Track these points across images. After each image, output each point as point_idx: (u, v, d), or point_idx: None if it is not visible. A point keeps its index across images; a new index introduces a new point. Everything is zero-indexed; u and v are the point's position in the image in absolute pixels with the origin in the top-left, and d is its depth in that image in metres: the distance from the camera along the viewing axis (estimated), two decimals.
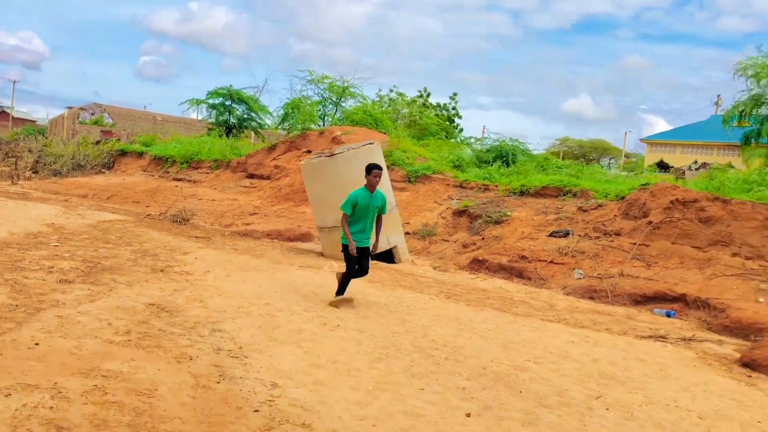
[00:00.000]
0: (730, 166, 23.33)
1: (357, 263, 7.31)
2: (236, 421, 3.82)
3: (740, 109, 23.78)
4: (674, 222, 11.55)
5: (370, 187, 7.21)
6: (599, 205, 13.54)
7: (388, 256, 12.54)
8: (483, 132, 65.88)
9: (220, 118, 31.48)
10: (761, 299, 9.35)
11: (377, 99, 35.78)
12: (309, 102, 31.21)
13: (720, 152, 45.96)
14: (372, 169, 7.23)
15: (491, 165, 18.43)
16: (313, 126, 29.28)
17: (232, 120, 31.28)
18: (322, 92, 31.45)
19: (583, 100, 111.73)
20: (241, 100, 30.72)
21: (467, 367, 5.47)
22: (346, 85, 31.71)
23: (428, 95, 45.55)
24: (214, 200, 19.66)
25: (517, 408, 4.54)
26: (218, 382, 4.45)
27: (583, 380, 5.45)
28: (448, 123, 42.79)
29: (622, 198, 13.20)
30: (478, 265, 12.37)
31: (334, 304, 7.39)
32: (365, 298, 8.24)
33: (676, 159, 45.40)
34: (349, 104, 31.78)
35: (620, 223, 12.42)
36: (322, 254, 12.50)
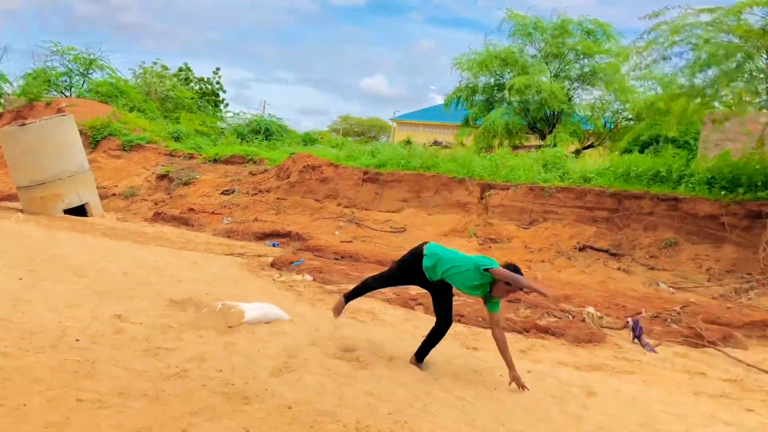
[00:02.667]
0: (462, 144, 28.37)
1: None
2: None
3: (458, 95, 28.65)
4: (305, 182, 15.46)
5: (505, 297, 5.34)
6: (265, 170, 17.17)
7: (83, 212, 15.10)
8: (264, 107, 68.17)
9: None
10: (336, 232, 13.46)
11: (140, 71, 36.58)
12: (53, 72, 32.01)
13: (455, 131, 52.97)
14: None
15: (248, 139, 21.48)
16: (56, 95, 30.34)
17: None
18: (68, 63, 32.33)
19: (379, 79, 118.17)
20: None
21: (68, 265, 8.28)
22: (93, 57, 32.84)
23: (189, 70, 46.94)
24: None
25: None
26: None
27: (140, 267, 8.63)
28: (213, 97, 44.63)
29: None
30: (157, 217, 15.39)
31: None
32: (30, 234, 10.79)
33: (420, 137, 51.59)
34: (99, 76, 33.03)
35: (272, 183, 16.13)
36: (21, 210, 14.69)
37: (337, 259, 11.00)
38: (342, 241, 12.78)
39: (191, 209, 15.28)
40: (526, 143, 25.77)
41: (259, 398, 4.01)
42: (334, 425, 3.72)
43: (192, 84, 42.90)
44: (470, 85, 28.53)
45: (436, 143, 35.45)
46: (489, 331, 5.43)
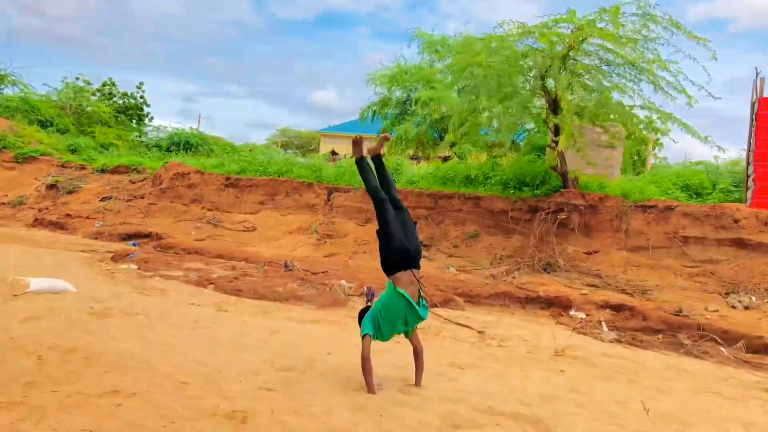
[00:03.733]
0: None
1: None
2: None
3: (372, 108, 30.45)
4: (174, 188, 17.00)
5: None
6: (144, 179, 18.61)
7: None
8: (199, 121, 68.59)
9: None
10: (192, 232, 15.03)
11: (62, 87, 37.03)
12: None
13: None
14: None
15: (170, 150, 22.79)
16: None
17: None
18: None
19: (328, 92, 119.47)
20: None
21: None
22: (3, 73, 33.64)
23: (113, 84, 47.68)
24: None
25: None
26: None
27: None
28: (136, 111, 45.38)
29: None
30: (36, 222, 16.67)
31: None
32: None
33: (344, 148, 53.36)
34: (12, 91, 33.78)
35: (147, 190, 17.61)
36: None
37: (176, 253, 12.59)
38: (196, 240, 14.38)
39: (68, 215, 16.62)
40: (440, 154, 27.67)
41: (10, 338, 5.63)
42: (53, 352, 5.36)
43: (115, 98, 43.68)
44: (383, 99, 30.45)
45: (333, 153, 37.12)
46: None
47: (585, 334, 8.43)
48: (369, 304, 8.48)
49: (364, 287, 8.97)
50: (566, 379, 6.17)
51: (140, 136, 36.11)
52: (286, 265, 10.81)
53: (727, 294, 10.15)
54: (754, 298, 9.88)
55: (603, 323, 8.69)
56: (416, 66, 28.65)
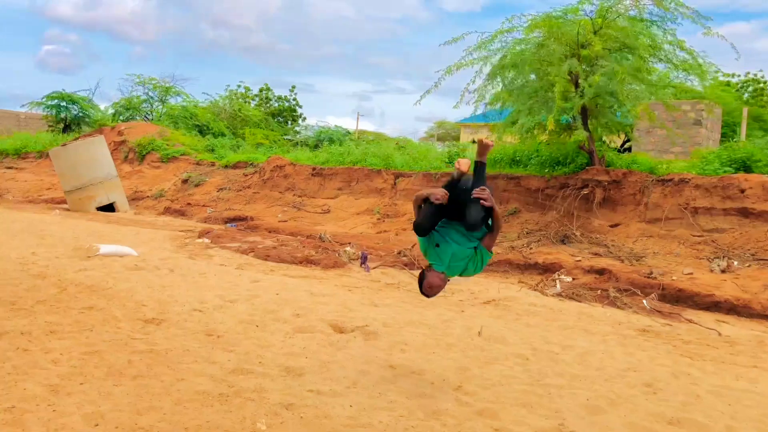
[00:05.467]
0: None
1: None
2: None
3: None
4: (273, 178, 19.71)
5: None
6: (255, 172, 21.55)
7: (112, 209, 20.12)
8: (357, 119, 72.76)
9: (59, 116, 38.00)
10: (279, 215, 17.57)
11: (225, 93, 42.06)
12: (137, 100, 38.36)
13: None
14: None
15: (317, 147, 26.38)
16: (139, 119, 36.56)
17: (69, 118, 37.88)
18: (148, 92, 38.61)
19: None
20: (73, 101, 37.32)
21: (42, 233, 12.98)
22: (168, 85, 39.00)
23: (269, 89, 52.68)
24: (26, 181, 26.69)
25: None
26: None
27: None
28: (290, 112, 49.99)
29: None
30: (166, 210, 20.15)
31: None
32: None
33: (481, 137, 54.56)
34: (177, 101, 39.05)
35: (254, 180, 20.50)
36: (68, 209, 19.90)
37: (251, 231, 15.11)
38: (280, 221, 16.88)
39: (188, 204, 19.90)
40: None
41: (58, 278, 8.24)
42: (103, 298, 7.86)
43: (272, 102, 48.41)
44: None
45: (474, 142, 38.72)
46: None
47: (537, 290, 9.61)
48: (362, 266, 10.32)
49: (360, 252, 10.81)
50: (460, 316, 7.60)
51: (287, 135, 39.99)
52: (320, 237, 12.84)
53: (712, 259, 10.66)
54: (736, 263, 10.35)
55: (557, 281, 9.79)
56: None
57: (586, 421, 4.41)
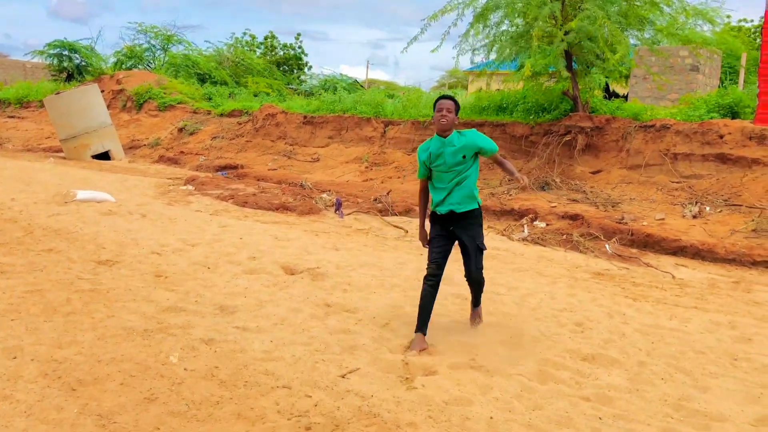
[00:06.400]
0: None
1: (440, 255, 4.83)
2: None
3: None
4: (265, 126, 19.72)
5: (438, 128, 4.76)
6: (249, 120, 21.54)
7: (108, 157, 20.28)
8: (367, 68, 72.04)
9: (62, 65, 37.91)
10: (269, 164, 17.64)
11: (230, 41, 41.67)
12: (139, 48, 38.17)
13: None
14: (435, 104, 4.77)
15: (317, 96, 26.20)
16: (140, 67, 36.44)
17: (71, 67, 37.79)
18: (150, 40, 38.36)
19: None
20: (75, 50, 37.17)
21: (30, 179, 13.19)
22: (170, 33, 38.72)
23: (274, 37, 51.98)
24: (27, 131, 26.87)
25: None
26: None
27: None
28: (296, 61, 49.49)
29: None
30: (160, 159, 20.28)
31: (410, 349, 4.58)
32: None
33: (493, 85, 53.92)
34: (179, 49, 38.78)
35: (246, 129, 20.52)
36: (64, 157, 20.08)
37: (239, 178, 15.23)
38: (269, 169, 16.98)
39: (182, 152, 20.01)
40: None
41: (28, 223, 8.42)
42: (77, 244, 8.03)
43: (277, 50, 47.85)
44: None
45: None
46: None
47: (504, 235, 9.69)
48: (336, 212, 10.42)
49: (335, 198, 10.90)
50: (417, 258, 7.70)
51: (291, 84, 39.69)
52: (301, 185, 12.93)
53: (686, 205, 10.66)
54: (708, 208, 10.35)
55: (525, 227, 9.85)
56: None
57: (499, 357, 4.54)
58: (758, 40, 33.08)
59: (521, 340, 4.91)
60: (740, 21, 32.83)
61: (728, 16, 28.40)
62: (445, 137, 4.78)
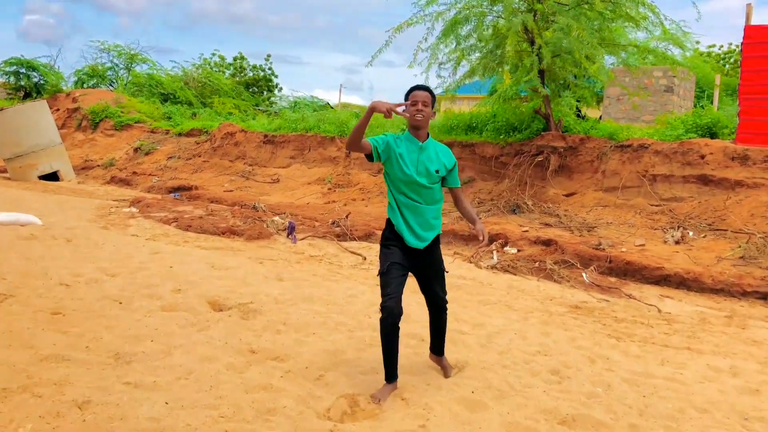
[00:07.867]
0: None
1: (399, 288, 3.95)
2: None
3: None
4: (223, 146, 18.71)
5: (412, 124, 3.92)
6: (207, 140, 20.52)
7: (57, 178, 19.05)
8: (340, 92, 71.82)
9: (19, 83, 36.53)
10: (226, 185, 16.60)
11: (199, 62, 40.69)
12: (101, 68, 37.00)
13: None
14: (407, 95, 3.94)
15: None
16: (104, 87, 35.23)
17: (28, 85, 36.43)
18: (112, 59, 37.24)
19: None
20: (33, 68, 35.84)
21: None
22: (134, 52, 37.65)
23: (243, 58, 51.14)
24: None
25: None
26: None
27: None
28: (265, 82, 48.58)
29: None
30: (112, 179, 19.12)
31: (374, 399, 3.81)
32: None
33: (463, 107, 53.58)
34: (143, 69, 37.67)
35: (204, 148, 19.49)
36: (9, 178, 18.82)
37: (192, 200, 14.17)
38: (225, 191, 15.95)
39: (134, 173, 18.89)
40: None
41: None
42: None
43: (246, 71, 46.93)
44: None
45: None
46: None
47: (472, 262, 8.79)
48: (288, 237, 9.44)
49: (287, 221, 9.93)
50: (371, 290, 6.76)
51: (258, 105, 38.74)
52: (254, 207, 11.94)
53: (667, 230, 9.88)
54: (691, 233, 9.58)
55: (494, 253, 8.98)
56: None
57: (457, 419, 3.60)
58: (727, 66, 33.09)
59: (485, 397, 3.97)
60: (710, 47, 32.98)
61: (698, 42, 28.07)
62: (419, 138, 3.98)
